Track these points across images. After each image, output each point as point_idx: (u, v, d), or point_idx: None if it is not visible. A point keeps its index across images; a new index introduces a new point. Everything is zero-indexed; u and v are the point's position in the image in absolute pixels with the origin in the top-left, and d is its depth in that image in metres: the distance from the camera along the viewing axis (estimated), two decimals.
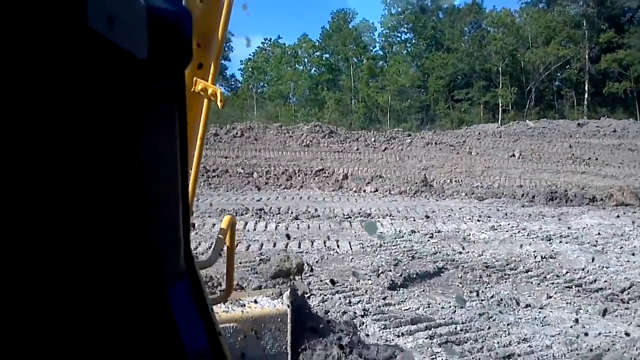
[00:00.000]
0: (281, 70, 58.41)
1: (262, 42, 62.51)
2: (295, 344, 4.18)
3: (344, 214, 12.91)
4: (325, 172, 21.84)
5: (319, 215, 12.84)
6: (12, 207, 0.56)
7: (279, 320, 3.92)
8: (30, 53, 0.55)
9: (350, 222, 12.20)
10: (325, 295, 7.05)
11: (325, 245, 9.95)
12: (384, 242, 10.22)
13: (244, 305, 3.94)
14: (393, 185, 17.35)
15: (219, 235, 2.71)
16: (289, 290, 4.46)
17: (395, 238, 10.67)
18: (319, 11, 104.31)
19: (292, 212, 13.06)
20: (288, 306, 4.03)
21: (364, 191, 17.04)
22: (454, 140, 28.75)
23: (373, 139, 28.43)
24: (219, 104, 2.46)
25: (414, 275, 7.85)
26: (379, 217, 12.71)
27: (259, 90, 59.62)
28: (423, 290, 7.35)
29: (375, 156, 26.46)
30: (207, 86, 2.46)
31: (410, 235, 10.93)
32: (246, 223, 11.94)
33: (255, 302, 4.03)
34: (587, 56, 52.08)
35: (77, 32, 0.57)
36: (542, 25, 51.65)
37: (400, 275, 7.73)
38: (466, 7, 55.77)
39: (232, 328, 3.71)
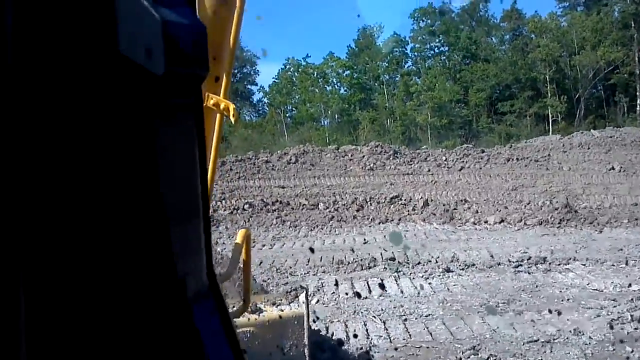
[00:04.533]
0: (309, 92, 54.97)
1: (284, 63, 59.04)
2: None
3: (509, 261, 9.19)
4: (401, 199, 18.30)
5: (474, 264, 9.15)
6: (35, 224, 0.54)
7: (296, 322, 3.72)
8: (61, 70, 0.54)
9: (529, 273, 8.53)
10: None
11: (552, 326, 6.22)
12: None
13: (261, 310, 3.72)
14: (524, 214, 13.61)
15: (235, 250, 2.61)
16: (304, 292, 4.14)
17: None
18: (340, 29, 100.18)
19: (433, 260, 9.36)
20: (305, 307, 3.83)
21: (487, 222, 13.32)
22: (536, 154, 24.95)
23: (444, 158, 24.70)
24: (231, 118, 2.39)
25: None
26: (560, 263, 8.98)
27: (287, 115, 56.28)
28: None
29: (451, 177, 22.81)
30: (219, 101, 2.37)
31: None
32: (382, 282, 8.24)
33: (273, 304, 3.86)
34: (636, 59, 48.31)
35: (108, 55, 0.56)
36: (589, 28, 47.86)
37: None
38: (505, 13, 52.19)
39: (249, 333, 3.50)
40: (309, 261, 9.85)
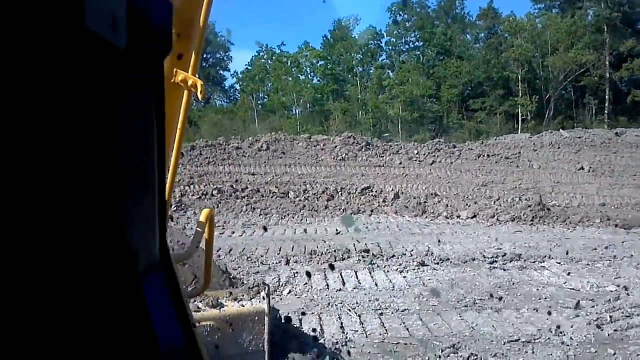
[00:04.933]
0: (282, 80, 54.36)
1: (258, 50, 58.25)
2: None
3: (484, 256, 9.05)
4: (372, 191, 18.12)
5: (449, 259, 8.97)
6: None
7: (257, 318, 3.74)
8: (22, 44, 0.54)
9: (505, 269, 8.38)
10: None
11: (531, 325, 6.06)
12: None
13: (222, 304, 3.76)
14: (496, 210, 13.49)
15: (197, 229, 2.58)
16: (266, 288, 4.15)
17: None
18: (316, 19, 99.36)
19: (407, 253, 9.16)
20: (265, 303, 3.87)
21: (459, 216, 13.19)
22: (506, 152, 25.02)
23: (416, 151, 24.57)
24: (199, 95, 2.34)
25: None
26: (535, 261, 8.86)
27: (258, 102, 55.62)
28: None
29: (422, 171, 22.70)
30: (187, 77, 2.32)
31: None
32: (356, 274, 8.01)
33: (234, 299, 3.88)
34: (607, 63, 48.95)
35: (72, 28, 0.56)
36: (563, 30, 48.22)
37: None
38: (481, 11, 52.35)
39: (209, 326, 3.54)
40: (280, 250, 9.56)
